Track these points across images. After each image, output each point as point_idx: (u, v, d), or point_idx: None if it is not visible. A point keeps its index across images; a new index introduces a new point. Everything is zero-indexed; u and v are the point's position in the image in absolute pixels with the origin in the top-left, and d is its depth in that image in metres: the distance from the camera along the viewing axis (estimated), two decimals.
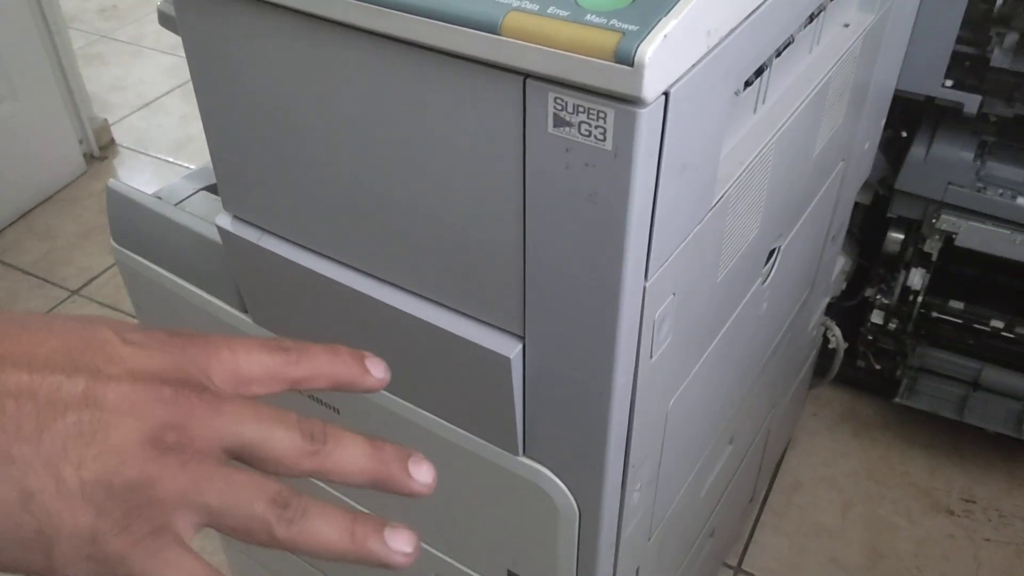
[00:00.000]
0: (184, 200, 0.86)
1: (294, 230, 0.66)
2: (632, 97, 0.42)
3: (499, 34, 0.43)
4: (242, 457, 0.29)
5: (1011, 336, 1.33)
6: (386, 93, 0.52)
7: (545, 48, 0.43)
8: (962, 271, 1.34)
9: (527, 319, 0.56)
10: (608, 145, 0.44)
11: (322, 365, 0.32)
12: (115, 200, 0.84)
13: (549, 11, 0.43)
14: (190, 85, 0.63)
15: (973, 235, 1.23)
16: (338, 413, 0.76)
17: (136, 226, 0.84)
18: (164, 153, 2.22)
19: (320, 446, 0.29)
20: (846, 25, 0.76)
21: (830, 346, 1.38)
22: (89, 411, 0.26)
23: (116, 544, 0.26)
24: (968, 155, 1.22)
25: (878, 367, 1.47)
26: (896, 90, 1.09)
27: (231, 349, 0.31)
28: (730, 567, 1.33)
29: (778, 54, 0.61)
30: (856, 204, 1.18)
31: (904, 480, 1.45)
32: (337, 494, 0.79)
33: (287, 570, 1.04)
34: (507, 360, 0.57)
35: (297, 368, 0.32)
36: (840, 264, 1.26)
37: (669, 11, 0.42)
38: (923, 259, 1.31)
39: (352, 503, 0.78)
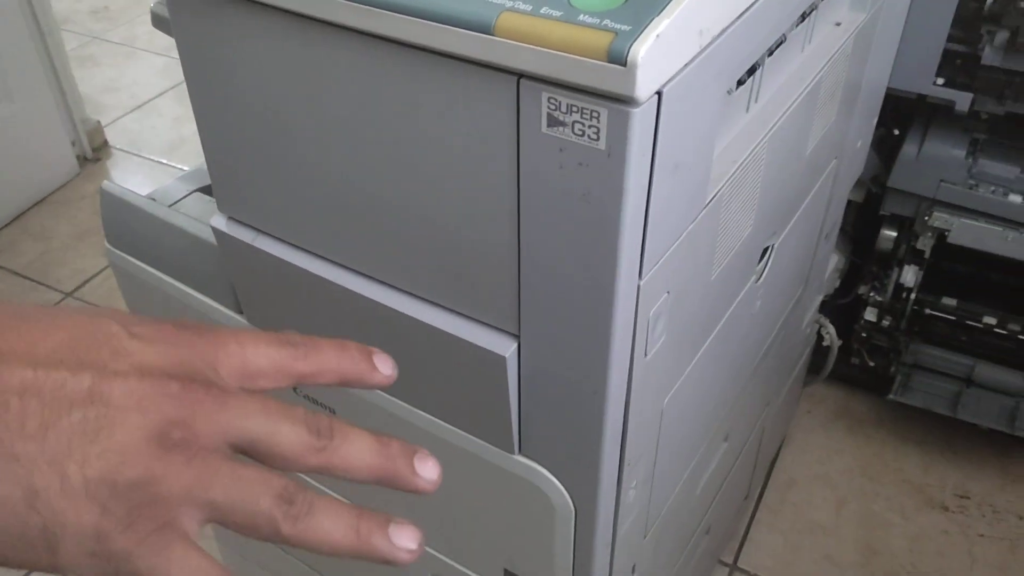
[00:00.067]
0: (178, 201, 0.86)
1: (289, 231, 0.66)
2: (625, 97, 0.42)
3: (492, 34, 0.44)
4: (248, 452, 0.29)
5: (1004, 332, 1.34)
6: (380, 94, 0.52)
7: (538, 48, 0.43)
8: (955, 268, 1.35)
9: (522, 318, 0.56)
10: (601, 144, 0.45)
11: (330, 360, 0.32)
12: (109, 202, 0.84)
13: (542, 11, 0.43)
14: (183, 87, 0.63)
15: (965, 232, 1.23)
16: (334, 413, 0.76)
17: (130, 228, 0.84)
18: (157, 155, 2.21)
19: (327, 442, 0.29)
20: (838, 24, 0.77)
21: (824, 343, 1.38)
22: (94, 408, 0.26)
23: (121, 541, 0.26)
24: (960, 153, 1.22)
25: (872, 364, 1.47)
26: (888, 88, 1.09)
27: (239, 342, 0.31)
28: (726, 564, 1.33)
29: (770, 53, 0.61)
30: (849, 202, 1.18)
31: (898, 476, 1.45)
32: (327, 490, 0.79)
33: (286, 570, 1.04)
34: (502, 359, 0.58)
35: (305, 363, 0.32)
36: (833, 262, 1.26)
37: (661, 11, 0.42)
38: (916, 256, 1.32)
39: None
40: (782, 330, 1.02)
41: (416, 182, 0.54)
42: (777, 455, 1.47)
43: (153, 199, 0.84)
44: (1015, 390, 1.37)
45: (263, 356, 0.31)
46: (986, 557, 1.34)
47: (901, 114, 1.24)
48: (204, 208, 0.84)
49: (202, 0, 0.56)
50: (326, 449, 0.29)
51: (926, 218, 1.25)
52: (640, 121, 0.44)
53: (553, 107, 0.45)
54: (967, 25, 1.10)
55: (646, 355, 0.58)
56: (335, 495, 0.30)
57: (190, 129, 2.25)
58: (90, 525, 0.26)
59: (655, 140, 0.46)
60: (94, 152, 2.17)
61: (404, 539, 0.29)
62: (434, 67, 0.48)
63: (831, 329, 1.36)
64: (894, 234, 1.32)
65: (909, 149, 1.23)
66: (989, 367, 1.38)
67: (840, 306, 1.41)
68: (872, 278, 1.39)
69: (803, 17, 0.65)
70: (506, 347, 0.58)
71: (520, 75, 0.45)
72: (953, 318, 1.37)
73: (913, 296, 1.36)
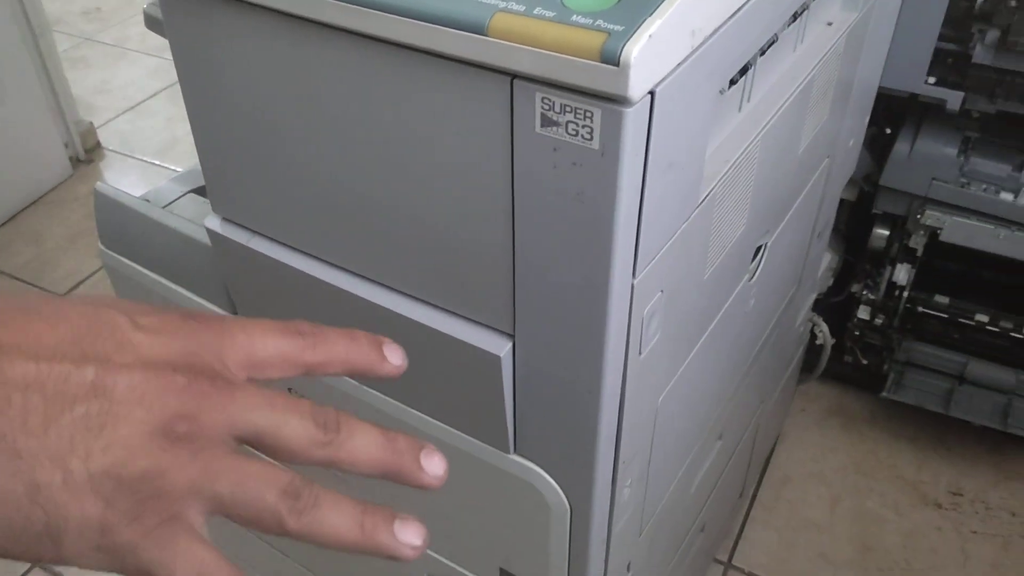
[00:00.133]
0: (172, 203, 0.86)
1: (283, 231, 0.66)
2: (618, 96, 0.43)
3: (486, 35, 0.44)
4: (254, 445, 0.29)
5: (996, 330, 1.35)
6: (374, 94, 0.52)
7: (532, 48, 0.43)
8: (947, 266, 1.36)
9: (517, 318, 0.56)
10: (595, 144, 0.45)
11: (339, 350, 0.32)
12: (103, 203, 0.84)
13: (535, 12, 0.43)
14: (176, 87, 0.63)
15: (957, 230, 1.24)
16: None
17: (124, 229, 0.84)
18: (150, 156, 2.21)
19: (333, 436, 0.29)
20: (829, 23, 0.77)
21: (817, 342, 1.39)
22: (98, 402, 0.26)
23: (126, 535, 0.26)
24: (952, 151, 1.23)
25: (865, 362, 1.48)
26: (880, 87, 1.09)
27: (246, 333, 0.30)
28: (720, 562, 1.34)
29: (762, 53, 0.61)
30: (841, 201, 1.19)
31: (892, 474, 1.46)
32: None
33: (282, 570, 1.04)
34: (497, 359, 0.58)
35: (314, 353, 0.31)
36: (826, 260, 1.27)
37: (654, 11, 0.42)
38: (908, 254, 1.32)
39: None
40: (776, 328, 1.02)
41: (410, 182, 0.55)
42: (771, 453, 1.48)
43: (147, 200, 0.84)
44: (1007, 387, 1.38)
45: (271, 346, 0.30)
46: (979, 553, 1.35)
47: (893, 113, 1.25)
48: (198, 209, 0.84)
49: (195, 1, 0.56)
50: (332, 443, 0.29)
51: (918, 216, 1.25)
52: (633, 121, 0.44)
53: (547, 107, 0.45)
54: (958, 24, 1.11)
55: (640, 354, 0.58)
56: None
57: (183, 130, 2.25)
58: (94, 519, 0.26)
59: (648, 140, 0.46)
60: (87, 153, 2.17)
61: (409, 535, 0.29)
62: (428, 68, 0.48)
63: (824, 327, 1.37)
64: (887, 232, 1.33)
65: (901, 148, 1.24)
66: (981, 364, 1.39)
67: (833, 304, 1.42)
68: (865, 276, 1.39)
69: (795, 17, 0.66)
70: (501, 347, 0.58)
71: (514, 75, 0.45)
72: (946, 316, 1.37)
73: (906, 294, 1.36)
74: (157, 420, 0.27)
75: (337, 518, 0.28)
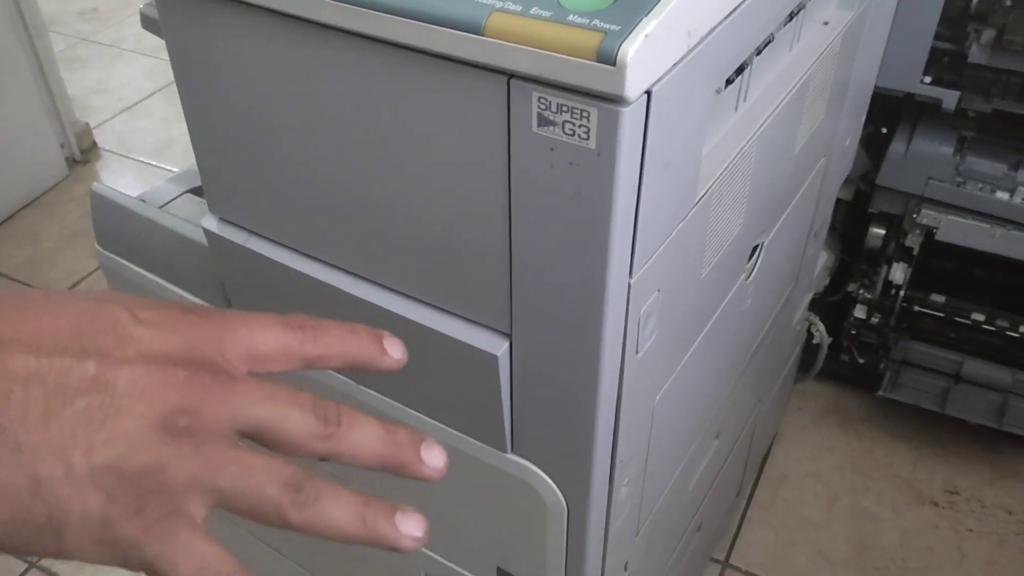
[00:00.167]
0: (169, 203, 0.86)
1: (280, 231, 0.66)
2: (615, 96, 0.43)
3: (483, 35, 0.44)
4: (255, 438, 0.29)
5: (992, 329, 1.35)
6: (371, 94, 0.52)
7: (529, 48, 0.43)
8: (943, 265, 1.36)
9: (514, 317, 0.56)
10: (592, 144, 0.45)
11: (339, 344, 0.32)
12: (99, 204, 0.84)
13: (532, 12, 0.43)
14: (172, 88, 0.63)
15: (953, 229, 1.24)
16: None
17: (121, 229, 0.84)
18: (147, 156, 2.21)
19: (334, 429, 0.29)
20: (825, 23, 0.77)
21: (814, 341, 1.39)
22: (99, 396, 0.26)
23: (128, 528, 0.26)
24: (947, 150, 1.23)
25: (861, 361, 1.48)
26: (876, 87, 1.10)
27: (247, 326, 0.30)
28: (718, 561, 1.34)
29: (758, 52, 0.62)
30: (838, 200, 1.19)
31: (888, 472, 1.46)
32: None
33: (277, 570, 1.04)
34: (494, 358, 0.58)
35: (314, 346, 0.31)
36: (823, 260, 1.27)
37: (650, 11, 0.42)
38: (904, 254, 1.33)
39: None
40: (772, 328, 1.02)
41: (407, 182, 0.55)
42: (768, 452, 1.48)
43: (143, 201, 0.84)
44: (1003, 386, 1.38)
45: (271, 340, 0.31)
46: (975, 551, 1.35)
47: (889, 112, 1.25)
48: (195, 209, 0.84)
49: (192, 1, 0.56)
50: (333, 436, 0.29)
51: (914, 215, 1.26)
52: (630, 120, 0.44)
53: (543, 107, 0.45)
54: (954, 23, 1.11)
55: (637, 353, 0.58)
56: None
57: (179, 130, 2.25)
58: (96, 512, 0.26)
59: (645, 139, 0.46)
60: (83, 154, 2.17)
61: (410, 526, 0.29)
62: (424, 67, 0.48)
63: (821, 327, 1.37)
64: (883, 232, 1.33)
65: (897, 147, 1.24)
66: (977, 363, 1.39)
67: (830, 304, 1.42)
68: (861, 276, 1.40)
69: (791, 16, 0.66)
70: (498, 346, 0.58)
71: (510, 75, 0.45)
72: (942, 315, 1.37)
73: (902, 293, 1.37)
74: (158, 414, 0.27)
75: (339, 511, 0.28)
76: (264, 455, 0.28)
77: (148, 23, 0.82)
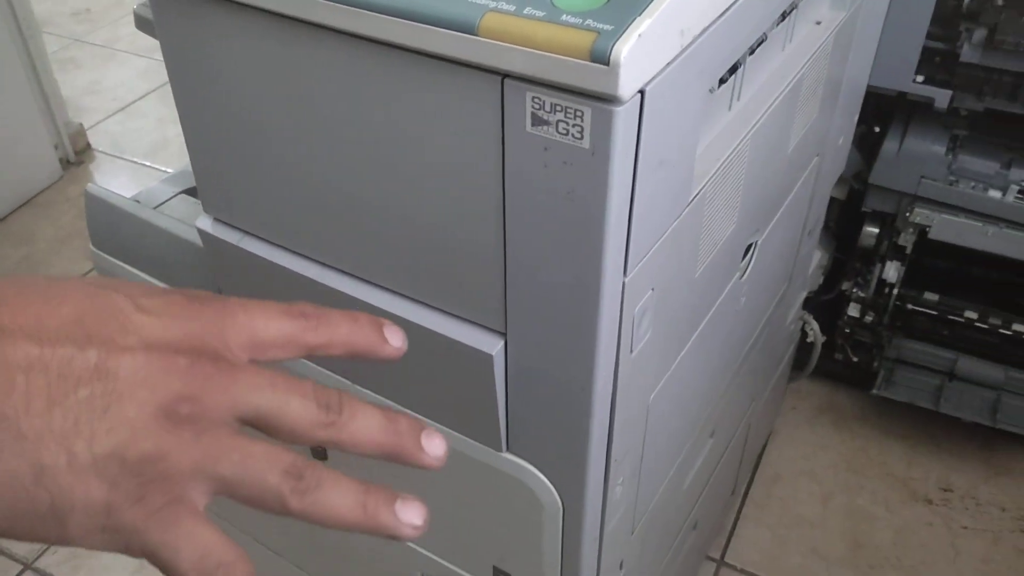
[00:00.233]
0: (163, 204, 0.86)
1: (275, 232, 0.66)
2: (608, 95, 0.43)
3: (476, 35, 0.44)
4: (256, 425, 0.29)
5: (985, 327, 1.35)
6: (365, 94, 0.52)
7: (522, 48, 0.43)
8: (936, 263, 1.36)
9: (508, 316, 0.56)
10: (585, 143, 0.45)
11: (340, 331, 0.32)
12: (94, 204, 0.84)
13: (525, 12, 0.43)
14: (166, 88, 0.63)
15: (946, 228, 1.24)
16: None
17: (115, 230, 0.84)
18: (141, 157, 2.20)
19: (335, 417, 0.29)
20: (818, 22, 0.77)
21: (808, 340, 1.39)
22: (102, 384, 0.26)
23: (131, 516, 0.26)
24: (940, 149, 1.24)
25: (855, 359, 1.48)
26: (868, 86, 1.10)
27: (248, 314, 0.30)
28: (713, 560, 1.34)
29: (751, 52, 0.62)
30: (831, 199, 1.19)
31: (882, 470, 1.47)
32: None
33: (273, 570, 1.04)
34: (489, 357, 0.58)
35: (315, 334, 0.31)
36: (817, 259, 1.27)
37: (643, 11, 0.42)
38: (898, 252, 1.33)
39: None
40: (767, 326, 1.02)
41: (402, 182, 0.55)
42: (763, 450, 1.48)
43: (138, 201, 0.84)
44: (996, 383, 1.39)
45: (273, 328, 0.31)
46: (969, 549, 1.36)
47: (882, 111, 1.25)
48: (189, 210, 0.84)
49: (186, 1, 0.56)
50: (335, 424, 0.29)
51: (907, 214, 1.26)
52: (623, 120, 0.44)
53: (537, 106, 0.45)
54: (946, 23, 1.12)
55: (632, 351, 0.58)
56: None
57: (173, 131, 2.25)
58: (99, 500, 0.26)
59: (638, 138, 0.46)
60: (77, 155, 2.16)
61: (410, 514, 0.29)
62: (419, 67, 0.48)
63: (815, 325, 1.37)
64: (876, 230, 1.34)
65: (890, 146, 1.24)
66: (971, 361, 1.40)
67: (824, 302, 1.42)
68: (855, 274, 1.40)
69: (783, 16, 0.66)
70: (493, 345, 0.58)
71: (504, 75, 0.45)
72: (935, 313, 1.38)
73: (895, 292, 1.37)
74: (161, 402, 0.27)
75: (339, 498, 0.29)
76: (266, 443, 0.28)
77: (142, 23, 0.82)
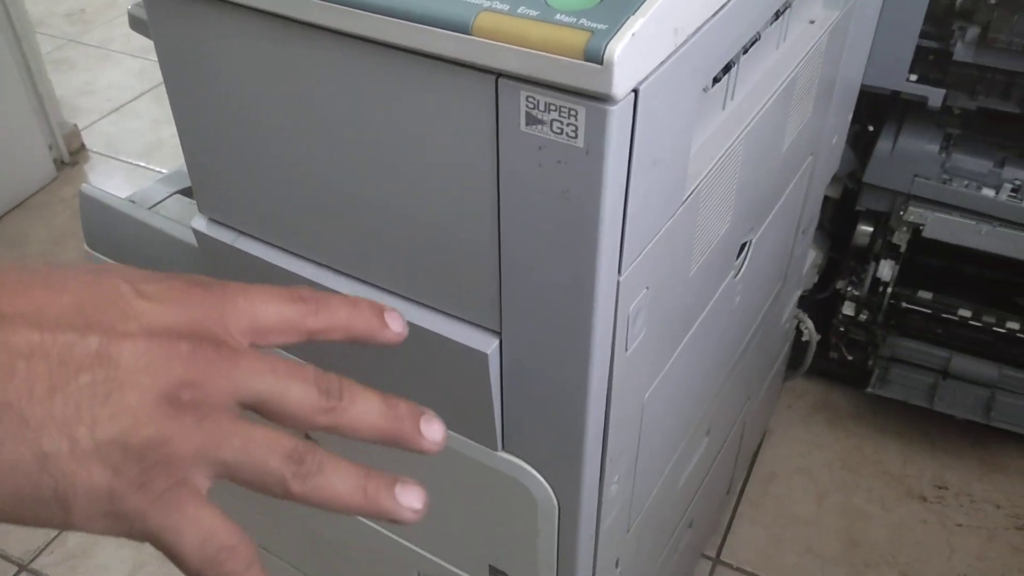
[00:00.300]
0: (158, 204, 0.85)
1: (270, 231, 0.66)
2: (602, 95, 0.43)
3: (471, 34, 0.44)
4: (258, 410, 0.29)
5: (978, 325, 1.36)
6: (359, 94, 0.52)
7: (516, 47, 0.43)
8: (930, 262, 1.37)
9: (503, 315, 0.56)
10: (580, 142, 0.45)
11: (341, 316, 0.32)
12: (88, 205, 0.84)
13: (519, 11, 0.44)
14: (160, 89, 0.63)
15: (940, 226, 1.25)
16: None
17: (110, 231, 0.84)
18: (135, 158, 2.20)
19: (336, 402, 0.30)
20: (812, 22, 0.78)
21: (803, 338, 1.40)
22: (103, 370, 0.26)
23: (134, 501, 0.26)
24: (934, 148, 1.24)
25: (850, 358, 1.49)
26: (862, 85, 1.10)
27: (249, 299, 0.30)
28: (709, 558, 1.34)
29: (745, 51, 0.62)
30: (825, 198, 1.19)
31: (877, 469, 1.47)
32: None
33: (275, 570, 1.04)
34: (484, 356, 0.58)
35: (316, 319, 0.32)
36: (811, 257, 1.28)
37: (637, 10, 0.43)
38: (892, 251, 1.33)
39: None
40: (762, 325, 1.03)
41: (396, 181, 0.55)
42: (758, 449, 1.49)
43: (132, 202, 0.84)
44: (990, 381, 1.39)
45: (273, 313, 0.31)
46: (964, 546, 1.36)
47: (876, 110, 1.26)
48: (184, 210, 0.84)
49: (180, 1, 0.56)
50: (335, 409, 0.30)
51: (901, 213, 1.27)
52: (617, 119, 0.44)
53: (531, 105, 0.45)
54: (939, 21, 1.12)
55: (627, 350, 0.59)
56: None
57: (168, 131, 2.24)
58: (102, 486, 0.26)
59: (632, 137, 0.47)
60: (71, 156, 2.16)
61: (410, 498, 0.30)
62: (413, 67, 0.48)
63: (810, 324, 1.38)
64: (870, 229, 1.34)
65: (884, 145, 1.25)
66: (965, 359, 1.40)
67: (818, 301, 1.43)
68: (849, 273, 1.40)
69: (777, 15, 0.66)
70: (488, 344, 0.58)
71: (498, 74, 0.45)
72: (929, 311, 1.38)
73: (890, 290, 1.37)
74: (162, 388, 0.27)
75: (340, 482, 0.29)
76: (267, 427, 0.28)
77: (136, 24, 0.82)
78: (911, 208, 1.25)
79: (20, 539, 1.37)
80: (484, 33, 0.44)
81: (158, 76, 0.62)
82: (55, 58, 2.56)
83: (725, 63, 0.59)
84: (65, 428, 0.25)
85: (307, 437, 0.30)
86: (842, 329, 1.45)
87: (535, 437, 0.63)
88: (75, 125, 2.18)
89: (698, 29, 0.49)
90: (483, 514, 0.72)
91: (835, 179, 1.22)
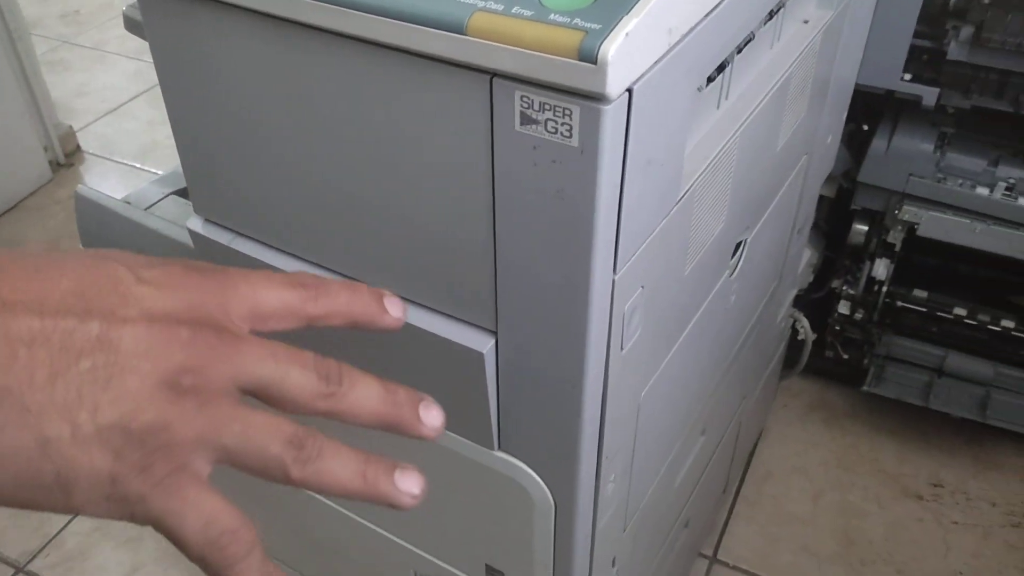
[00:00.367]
0: (154, 205, 0.85)
1: (266, 231, 0.66)
2: (596, 94, 0.43)
3: (465, 34, 0.44)
4: (258, 396, 0.29)
5: (973, 323, 1.36)
6: (355, 94, 0.52)
7: (511, 47, 0.43)
8: (925, 261, 1.37)
9: (499, 315, 0.56)
10: (574, 142, 0.45)
11: (341, 302, 0.32)
12: (84, 206, 0.84)
13: (514, 11, 0.44)
14: (155, 90, 0.63)
15: (934, 225, 1.25)
16: None
17: (106, 232, 0.84)
18: (130, 159, 2.20)
19: (336, 388, 0.30)
20: (805, 21, 0.78)
21: (799, 337, 1.40)
22: (104, 355, 0.26)
23: (135, 486, 0.26)
24: (928, 147, 1.24)
25: (846, 357, 1.49)
26: (856, 84, 1.11)
27: (249, 284, 0.31)
28: (705, 557, 1.35)
29: (739, 51, 0.62)
30: (821, 197, 1.20)
31: (873, 467, 1.47)
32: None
33: None
34: (480, 356, 0.58)
35: (316, 305, 0.32)
36: (807, 256, 1.28)
37: (631, 9, 0.43)
38: (887, 250, 1.34)
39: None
40: (757, 324, 1.03)
41: (392, 181, 0.55)
42: (754, 448, 1.49)
43: (128, 203, 0.84)
44: (986, 379, 1.40)
45: (274, 298, 0.31)
46: (960, 544, 1.36)
47: (870, 109, 1.26)
48: (180, 211, 0.84)
49: (175, 2, 0.56)
50: (335, 395, 0.30)
51: (896, 212, 1.27)
52: (612, 118, 0.44)
53: (526, 105, 0.45)
54: (933, 21, 1.12)
55: (622, 349, 0.59)
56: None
57: (163, 133, 2.24)
58: (104, 471, 0.26)
59: (627, 137, 0.47)
60: (67, 157, 2.16)
61: (408, 483, 0.30)
62: (408, 67, 0.48)
63: (805, 323, 1.38)
64: (865, 228, 1.34)
65: (878, 144, 1.25)
66: (960, 357, 1.40)
67: (814, 300, 1.43)
68: (845, 272, 1.41)
69: (771, 15, 0.66)
70: (484, 343, 0.58)
71: (493, 74, 0.46)
72: (924, 310, 1.39)
73: (885, 289, 1.38)
74: (163, 373, 0.27)
75: (340, 467, 0.29)
76: (267, 413, 0.29)
77: (131, 25, 0.82)
78: (906, 207, 1.26)
79: (17, 541, 1.37)
80: (479, 33, 0.44)
81: (153, 78, 0.62)
82: (50, 59, 2.56)
83: (719, 63, 0.59)
84: (66, 413, 0.25)
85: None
86: (838, 328, 1.46)
87: (531, 436, 0.63)
88: (70, 127, 2.18)
89: (692, 29, 0.50)
90: (480, 513, 0.72)
91: (830, 178, 1.23)
